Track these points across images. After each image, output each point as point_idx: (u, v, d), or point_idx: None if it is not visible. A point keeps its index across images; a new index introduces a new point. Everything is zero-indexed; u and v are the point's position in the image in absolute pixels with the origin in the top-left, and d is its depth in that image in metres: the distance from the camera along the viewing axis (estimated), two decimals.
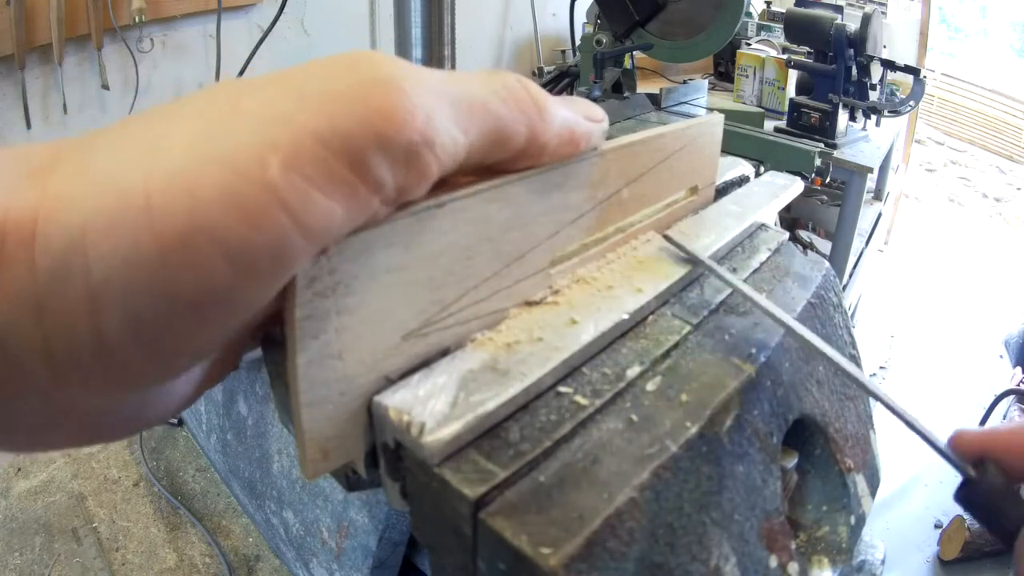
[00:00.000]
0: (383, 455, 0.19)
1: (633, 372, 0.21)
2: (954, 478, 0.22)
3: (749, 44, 1.98)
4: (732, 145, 1.24)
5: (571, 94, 1.91)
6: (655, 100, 1.54)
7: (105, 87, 1.20)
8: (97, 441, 0.18)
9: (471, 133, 0.16)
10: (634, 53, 1.56)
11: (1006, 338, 2.02)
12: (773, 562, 0.23)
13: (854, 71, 1.47)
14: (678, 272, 0.26)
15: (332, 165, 0.14)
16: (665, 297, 0.25)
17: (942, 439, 0.22)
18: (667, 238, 0.28)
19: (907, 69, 1.48)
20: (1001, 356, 2.03)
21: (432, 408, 0.18)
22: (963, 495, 0.22)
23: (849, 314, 0.53)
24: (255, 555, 0.71)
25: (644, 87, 1.72)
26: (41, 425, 0.16)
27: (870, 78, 1.49)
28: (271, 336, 0.19)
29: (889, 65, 1.50)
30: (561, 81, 1.90)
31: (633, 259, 0.26)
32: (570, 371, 0.21)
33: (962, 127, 4.16)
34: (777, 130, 1.53)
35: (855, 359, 0.32)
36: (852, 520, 0.28)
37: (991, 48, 4.55)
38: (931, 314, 2.32)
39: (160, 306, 0.13)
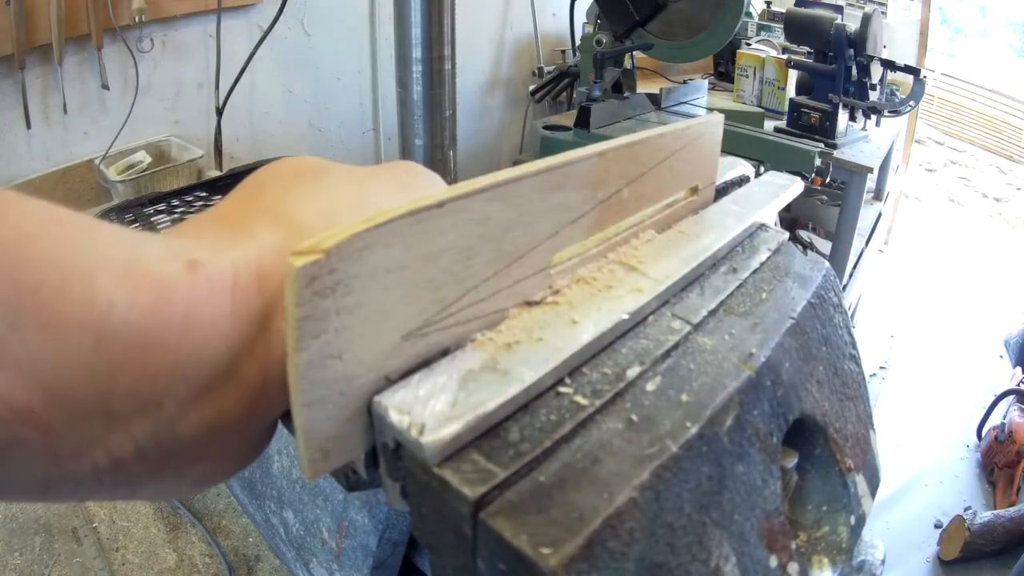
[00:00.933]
0: (383, 455, 0.18)
1: (633, 372, 0.21)
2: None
3: (749, 44, 1.98)
4: (732, 145, 1.24)
5: (571, 94, 1.92)
6: (655, 100, 1.54)
7: (105, 87, 1.20)
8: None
9: None
10: (634, 53, 1.56)
11: (1006, 338, 2.02)
12: (773, 562, 0.23)
13: (854, 71, 1.47)
14: (678, 272, 0.26)
15: None
16: (665, 297, 0.25)
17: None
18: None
19: (907, 69, 1.48)
20: (1001, 356, 2.03)
21: (432, 408, 0.18)
22: None
23: (849, 314, 0.53)
24: (255, 555, 0.71)
25: (644, 87, 1.72)
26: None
27: (870, 78, 1.49)
28: None
29: (889, 65, 1.51)
30: (561, 81, 1.91)
31: (633, 259, 0.26)
32: (570, 371, 0.21)
33: (962, 127, 4.17)
34: (777, 130, 1.53)
35: (855, 359, 0.32)
36: (852, 520, 0.28)
37: (991, 48, 4.55)
38: (931, 314, 2.32)
39: None
